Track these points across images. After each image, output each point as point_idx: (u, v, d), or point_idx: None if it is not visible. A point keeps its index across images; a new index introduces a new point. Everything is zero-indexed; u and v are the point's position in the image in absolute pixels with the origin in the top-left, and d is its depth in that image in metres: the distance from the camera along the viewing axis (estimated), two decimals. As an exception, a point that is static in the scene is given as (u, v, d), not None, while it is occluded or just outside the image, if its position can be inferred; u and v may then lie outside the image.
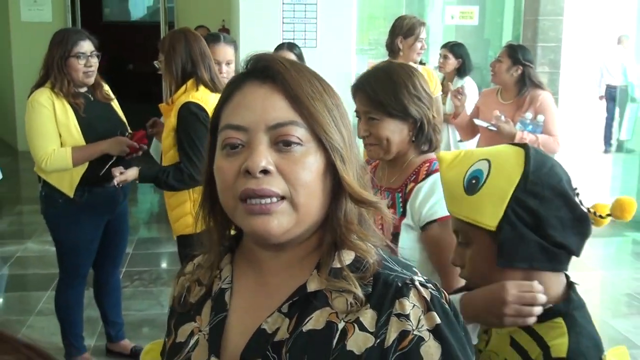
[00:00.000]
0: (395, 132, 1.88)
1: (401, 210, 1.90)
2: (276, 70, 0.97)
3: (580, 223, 1.27)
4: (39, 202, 3.40)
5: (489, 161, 1.29)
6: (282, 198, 0.93)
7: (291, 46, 4.28)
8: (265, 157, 0.93)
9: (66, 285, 3.46)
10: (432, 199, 1.85)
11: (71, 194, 3.24)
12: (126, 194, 3.50)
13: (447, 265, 1.64)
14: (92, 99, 3.32)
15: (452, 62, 5.10)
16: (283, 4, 5.45)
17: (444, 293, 0.96)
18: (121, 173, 3.05)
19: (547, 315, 1.27)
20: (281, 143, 0.94)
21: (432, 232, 1.85)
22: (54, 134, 3.17)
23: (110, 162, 3.24)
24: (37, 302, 4.41)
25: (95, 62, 3.25)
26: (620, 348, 1.30)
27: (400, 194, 1.92)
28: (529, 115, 3.79)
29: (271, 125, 0.94)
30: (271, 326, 0.96)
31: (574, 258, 1.31)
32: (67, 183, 3.24)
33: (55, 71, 3.17)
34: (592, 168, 8.76)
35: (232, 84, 1.01)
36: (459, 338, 0.93)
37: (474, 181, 1.27)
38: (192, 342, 1.03)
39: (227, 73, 3.59)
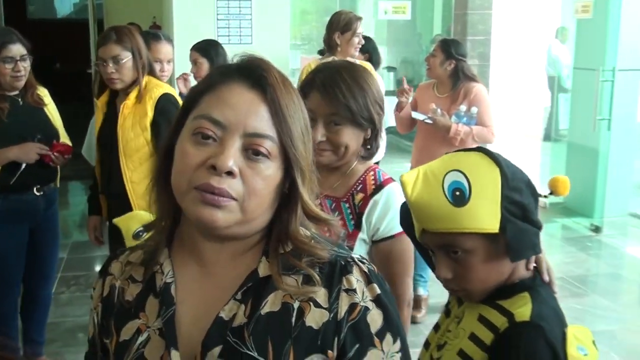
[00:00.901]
0: (353, 139, 1.79)
1: (352, 222, 1.83)
2: (269, 83, 1.01)
3: (537, 204, 1.37)
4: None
5: (460, 171, 1.30)
6: (235, 199, 0.98)
7: (204, 49, 4.04)
8: (234, 160, 0.97)
9: None
10: (389, 215, 1.80)
11: None
12: (51, 202, 3.35)
13: (401, 274, 1.85)
14: (21, 103, 3.18)
15: (359, 57, 5.09)
16: (217, 0, 5.40)
17: (373, 266, 1.08)
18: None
19: (514, 290, 1.35)
20: (251, 151, 0.99)
21: (387, 246, 1.82)
22: None
23: (20, 170, 3.11)
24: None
25: (25, 65, 3.11)
26: (583, 327, 1.36)
27: (347, 204, 1.84)
28: (463, 107, 3.87)
29: (249, 133, 0.99)
30: (228, 313, 1.01)
31: None
32: None
33: None
34: (524, 155, 9.02)
35: (219, 75, 1.04)
36: (394, 304, 1.06)
37: (458, 193, 1.28)
38: (141, 339, 1.04)
39: (168, 72, 3.56)
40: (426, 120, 3.90)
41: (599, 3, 6.22)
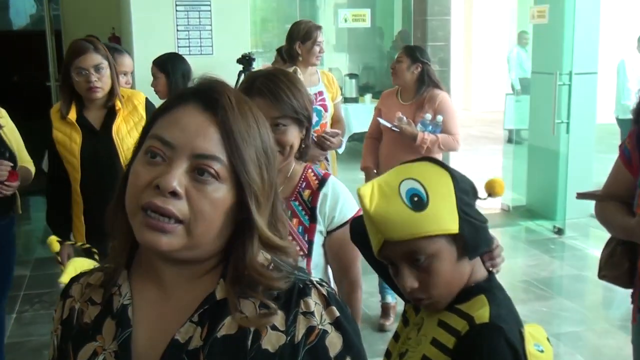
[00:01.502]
0: (297, 137, 1.90)
1: (307, 217, 1.93)
2: (221, 105, 1.01)
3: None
4: None
5: (413, 179, 1.33)
6: (181, 222, 0.97)
7: (162, 63, 4.02)
8: (178, 180, 0.96)
9: None
10: (340, 202, 1.94)
11: None
12: (4, 232, 3.26)
13: (354, 258, 1.97)
14: None
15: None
16: (176, 11, 5.36)
17: (334, 289, 1.08)
18: None
19: (471, 293, 1.38)
20: (197, 171, 0.98)
21: (341, 233, 1.91)
22: None
23: None
24: None
25: None
26: (536, 325, 1.43)
27: (297, 202, 1.93)
28: (428, 116, 3.90)
29: (196, 154, 0.98)
30: (184, 336, 1.00)
31: None
32: None
33: None
34: (486, 158, 9.12)
35: (178, 97, 1.05)
36: (354, 327, 1.05)
37: (416, 199, 1.31)
38: None
39: (130, 83, 3.63)
40: (393, 128, 3.92)
41: (554, 8, 6.33)
